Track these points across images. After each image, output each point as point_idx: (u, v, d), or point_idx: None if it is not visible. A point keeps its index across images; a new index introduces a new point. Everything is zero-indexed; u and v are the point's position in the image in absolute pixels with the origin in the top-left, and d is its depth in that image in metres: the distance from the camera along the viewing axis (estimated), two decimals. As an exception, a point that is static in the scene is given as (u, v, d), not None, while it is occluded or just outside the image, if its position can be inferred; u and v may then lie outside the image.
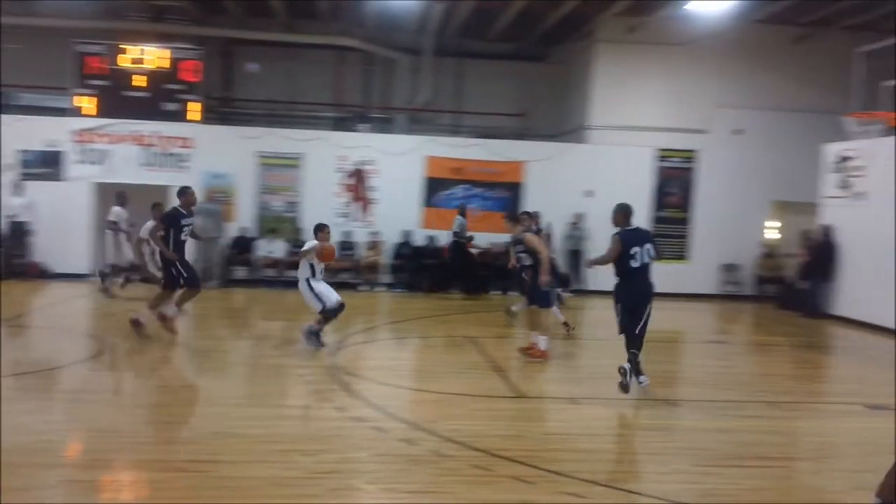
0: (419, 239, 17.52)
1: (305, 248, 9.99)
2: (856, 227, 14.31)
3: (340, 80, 19.37)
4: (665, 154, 18.00)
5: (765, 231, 18.19)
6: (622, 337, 8.23)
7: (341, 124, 18.75)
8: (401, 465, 5.77)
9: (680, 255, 17.93)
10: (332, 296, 10.01)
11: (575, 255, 16.93)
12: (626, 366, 8.11)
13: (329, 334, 10.27)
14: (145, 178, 16.69)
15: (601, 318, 11.85)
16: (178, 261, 10.13)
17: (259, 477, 5.36)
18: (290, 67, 19.07)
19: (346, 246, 17.09)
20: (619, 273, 8.26)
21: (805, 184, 16.09)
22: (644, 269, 8.22)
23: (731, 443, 7.27)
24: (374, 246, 17.24)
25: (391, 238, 17.39)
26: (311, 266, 9.93)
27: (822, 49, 17.06)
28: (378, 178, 17.53)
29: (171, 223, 10.24)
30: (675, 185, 18.11)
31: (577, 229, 17.22)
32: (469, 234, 16.52)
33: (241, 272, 17.09)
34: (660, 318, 9.57)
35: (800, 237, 16.32)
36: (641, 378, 8.18)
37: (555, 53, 19.90)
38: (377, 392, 7.96)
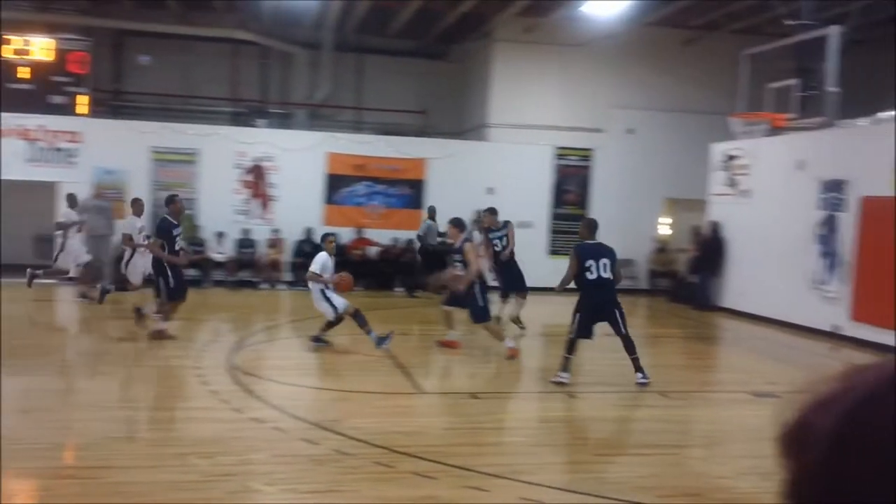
0: (321, 236, 17.30)
1: (315, 269, 9.97)
2: (742, 222, 14.94)
3: (237, 74, 18.97)
4: (563, 152, 18.38)
5: (657, 227, 18.80)
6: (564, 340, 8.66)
7: (238, 119, 18.35)
8: (302, 465, 5.70)
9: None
10: (344, 302, 10.00)
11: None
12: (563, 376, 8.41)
13: (227, 334, 10.05)
14: (32, 174, 15.91)
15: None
16: (173, 269, 10.12)
17: (153, 482, 5.19)
18: (185, 60, 18.54)
19: (246, 244, 16.75)
20: (577, 286, 8.52)
21: (695, 181, 16.69)
22: (602, 282, 8.40)
23: (627, 432, 7.51)
24: (274, 244, 16.96)
25: (292, 236, 17.14)
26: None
27: (710, 52, 17.73)
28: (278, 174, 17.24)
29: (164, 234, 10.15)
30: (572, 182, 18.52)
31: (476, 227, 17.38)
32: (439, 238, 16.23)
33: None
34: (560, 312, 9.78)
35: (690, 233, 16.94)
36: (639, 376, 8.56)
37: (454, 52, 20.05)
38: (278, 392, 7.85)
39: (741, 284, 14.99)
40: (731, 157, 15.33)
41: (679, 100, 18.04)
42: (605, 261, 8.45)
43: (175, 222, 10.28)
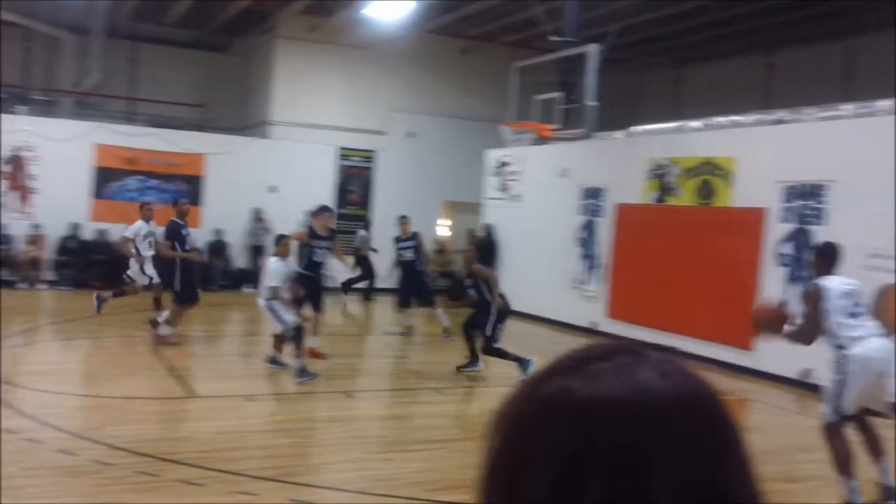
0: (88, 232, 16.29)
1: (273, 282, 8.88)
2: (513, 225, 15.78)
3: (-6, 56, 17.39)
4: (346, 153, 18.51)
5: (437, 229, 19.40)
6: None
7: (-5, 105, 16.83)
8: (57, 478, 5.39)
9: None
10: (293, 318, 8.95)
11: (256, 251, 16.80)
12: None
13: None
14: None
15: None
16: (183, 273, 10.04)
17: None
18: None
19: (3, 240, 15.40)
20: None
21: (471, 185, 17.41)
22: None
23: (402, 429, 7.74)
24: (34, 240, 15.70)
25: (55, 231, 15.96)
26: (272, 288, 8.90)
27: (485, 62, 18.55)
28: (40, 165, 15.98)
29: (174, 236, 10.00)
30: (355, 183, 18.70)
31: (260, 224, 17.13)
32: (373, 247, 16.17)
33: None
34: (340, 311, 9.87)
35: (466, 235, 17.65)
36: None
37: (236, 45, 19.57)
38: (34, 400, 7.32)
39: (512, 284, 15.79)
40: (503, 164, 16.16)
41: (457, 106, 18.73)
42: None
43: (182, 223, 10.34)
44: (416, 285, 12.55)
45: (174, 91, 18.52)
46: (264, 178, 17.36)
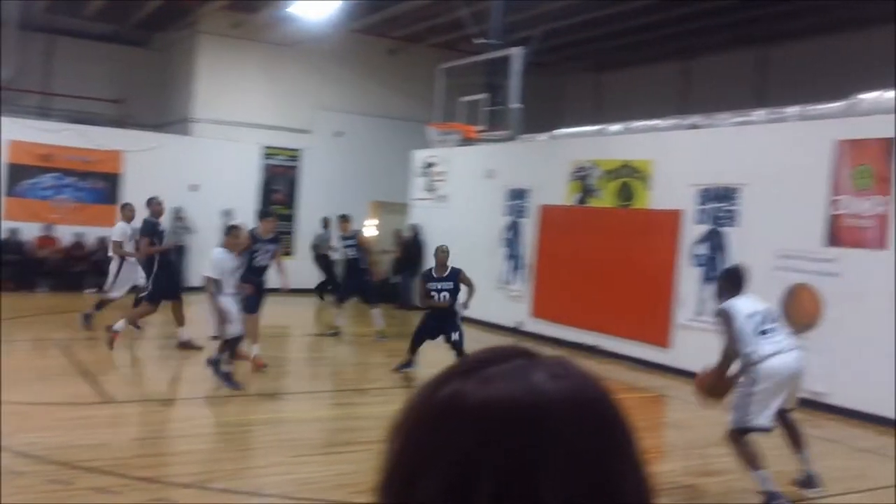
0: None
1: (214, 271, 8.20)
2: (440, 226, 15.82)
3: None
4: (271, 152, 18.28)
5: (364, 229, 19.31)
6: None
7: None
8: (-37, 489, 5.18)
9: (286, 251, 18.29)
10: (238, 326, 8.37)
11: (178, 250, 16.44)
12: None
13: None
14: None
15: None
16: (163, 269, 10.03)
17: None
18: None
19: None
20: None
21: (399, 186, 17.40)
22: None
23: (325, 430, 7.70)
24: (-60, 240, 15.06)
25: (-37, 231, 15.33)
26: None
27: (412, 62, 18.56)
28: (-54, 162, 15.33)
29: (150, 231, 10.01)
30: (280, 182, 18.48)
31: (180, 223, 16.76)
32: (333, 245, 15.64)
33: None
34: (267, 313, 9.76)
35: (393, 235, 17.64)
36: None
37: (157, 40, 19.11)
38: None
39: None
40: (430, 164, 16.21)
41: (384, 106, 18.69)
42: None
43: (156, 221, 10.42)
44: (358, 284, 12.67)
45: (92, 86, 17.97)
46: (185, 177, 16.97)
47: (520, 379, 0.72)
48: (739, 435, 5.74)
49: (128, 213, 11.12)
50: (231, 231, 8.70)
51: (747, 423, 5.71)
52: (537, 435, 0.69)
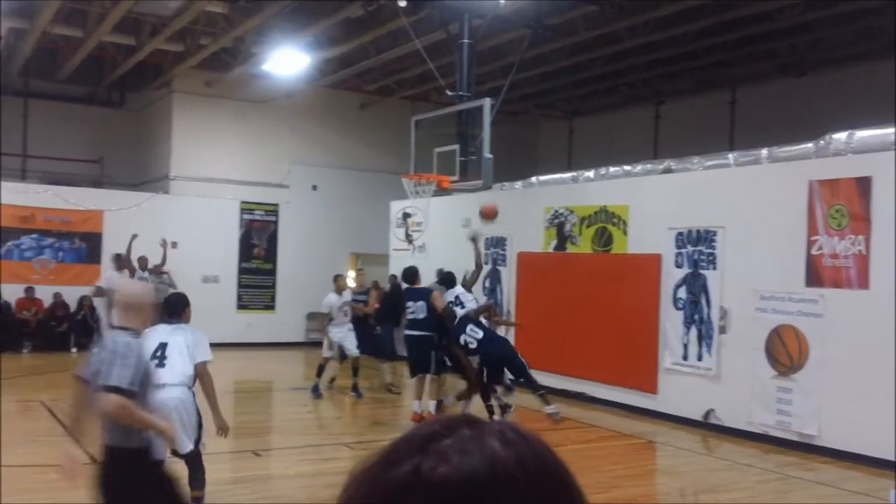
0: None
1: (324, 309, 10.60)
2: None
3: None
4: (248, 206, 18.36)
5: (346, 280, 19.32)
6: None
7: None
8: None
9: (267, 305, 18.29)
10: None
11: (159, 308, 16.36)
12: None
13: None
14: None
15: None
16: None
17: None
18: None
19: None
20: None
21: (378, 236, 17.50)
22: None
23: (307, 487, 7.62)
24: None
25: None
26: None
27: (384, 115, 18.80)
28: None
29: None
30: (259, 236, 18.53)
31: (161, 280, 16.68)
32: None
33: None
34: (250, 367, 9.75)
35: (370, 287, 17.63)
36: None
37: (132, 100, 19.25)
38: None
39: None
40: (407, 215, 16.34)
41: (359, 159, 18.91)
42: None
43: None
44: (368, 339, 13.11)
45: (69, 147, 18.04)
46: (165, 234, 16.93)
47: (475, 451, 0.73)
48: None
49: (120, 263, 11.33)
50: (337, 279, 11.98)
51: None
52: None
